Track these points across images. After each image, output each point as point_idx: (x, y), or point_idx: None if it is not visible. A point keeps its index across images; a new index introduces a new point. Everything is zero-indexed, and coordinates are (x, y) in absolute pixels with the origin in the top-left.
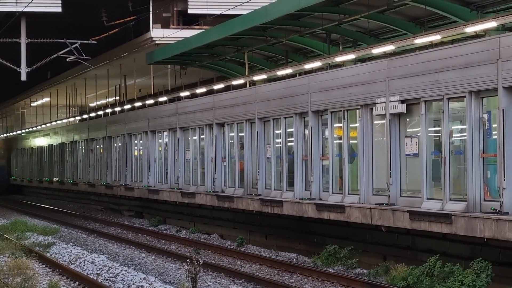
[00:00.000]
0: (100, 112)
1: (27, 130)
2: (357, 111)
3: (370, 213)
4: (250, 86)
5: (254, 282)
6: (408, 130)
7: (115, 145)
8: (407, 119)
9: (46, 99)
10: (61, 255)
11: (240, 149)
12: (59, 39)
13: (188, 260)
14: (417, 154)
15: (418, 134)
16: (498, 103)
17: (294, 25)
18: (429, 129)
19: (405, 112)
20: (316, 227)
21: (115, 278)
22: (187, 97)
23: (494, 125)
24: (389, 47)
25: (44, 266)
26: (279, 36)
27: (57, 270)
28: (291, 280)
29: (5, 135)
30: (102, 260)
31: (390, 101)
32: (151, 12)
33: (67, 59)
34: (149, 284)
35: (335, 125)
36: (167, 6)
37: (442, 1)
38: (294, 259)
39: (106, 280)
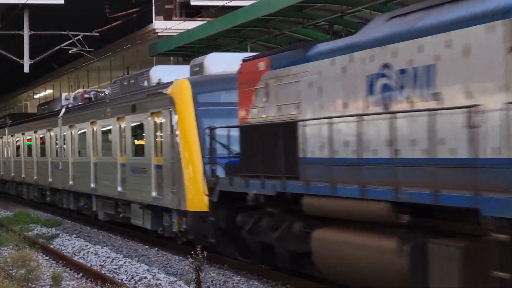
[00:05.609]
0: None
1: None
2: None
3: None
4: None
5: (257, 273)
6: None
7: None
8: None
9: (49, 91)
10: (65, 246)
11: None
12: (61, 31)
13: (192, 252)
14: None
15: None
16: None
17: (297, 17)
18: None
19: None
20: None
21: (119, 269)
22: None
23: None
24: None
25: (47, 257)
26: (282, 27)
27: (60, 261)
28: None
29: None
30: (106, 251)
31: None
32: (153, 4)
33: (70, 51)
34: (153, 276)
35: None
36: None
37: None
38: None
39: (110, 271)
